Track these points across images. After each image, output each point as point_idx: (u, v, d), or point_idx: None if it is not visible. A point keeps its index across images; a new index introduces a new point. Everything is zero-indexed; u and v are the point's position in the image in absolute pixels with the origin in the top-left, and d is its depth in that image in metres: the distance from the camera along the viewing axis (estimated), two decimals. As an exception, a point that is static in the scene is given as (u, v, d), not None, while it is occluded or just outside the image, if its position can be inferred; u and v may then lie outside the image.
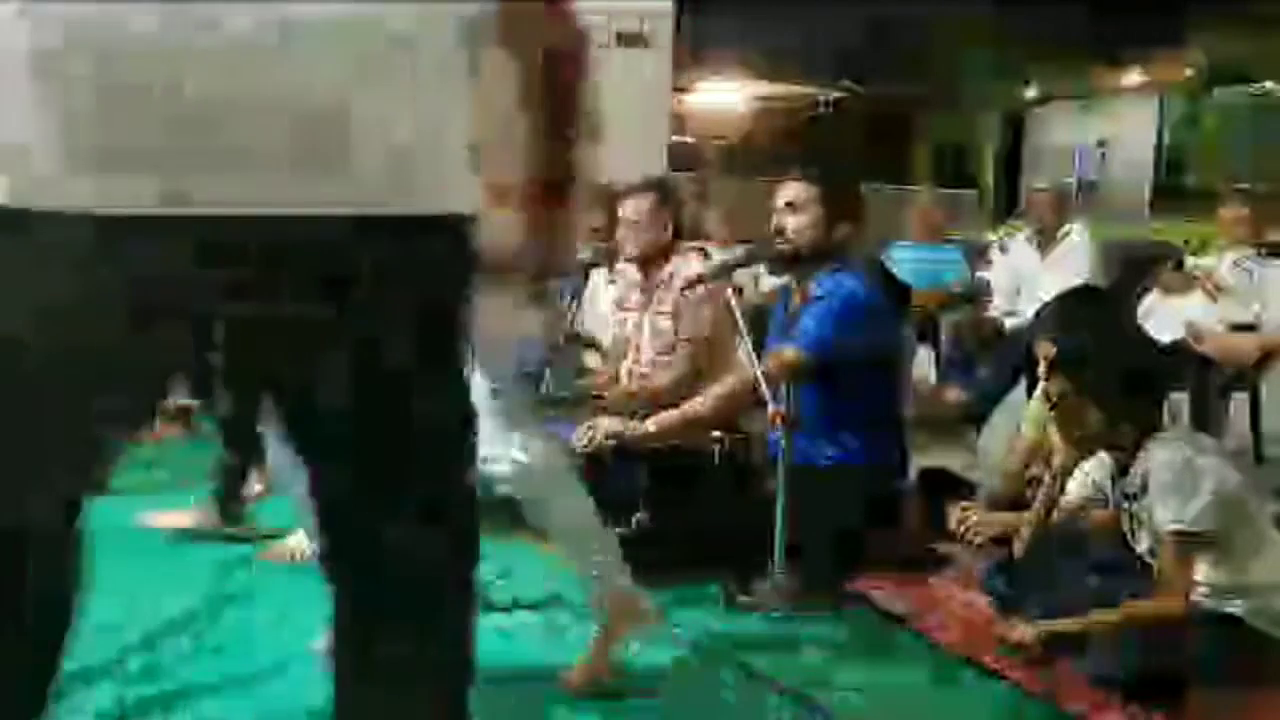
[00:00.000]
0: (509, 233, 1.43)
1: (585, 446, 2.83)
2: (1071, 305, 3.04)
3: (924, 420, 4.57)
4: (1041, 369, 2.67)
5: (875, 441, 2.92)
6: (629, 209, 3.49)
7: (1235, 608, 2.20)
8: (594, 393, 3.46)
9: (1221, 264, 4.48)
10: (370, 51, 1.11)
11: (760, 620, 2.49)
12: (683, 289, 3.36)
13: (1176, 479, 2.20)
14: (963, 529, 2.94)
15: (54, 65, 1.04)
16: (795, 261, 2.95)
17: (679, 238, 3.66)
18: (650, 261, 3.51)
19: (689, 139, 14.21)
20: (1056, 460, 2.53)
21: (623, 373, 3.65)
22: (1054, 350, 2.75)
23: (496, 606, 2.44)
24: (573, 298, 3.88)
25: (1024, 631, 2.27)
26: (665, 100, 6.78)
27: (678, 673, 2.21)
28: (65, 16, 1.03)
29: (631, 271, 3.63)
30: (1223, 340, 4.31)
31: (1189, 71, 12.71)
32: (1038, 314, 3.08)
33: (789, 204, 2.92)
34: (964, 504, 3.06)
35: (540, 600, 2.51)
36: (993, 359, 4.95)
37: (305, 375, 1.18)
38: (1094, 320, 2.88)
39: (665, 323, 3.48)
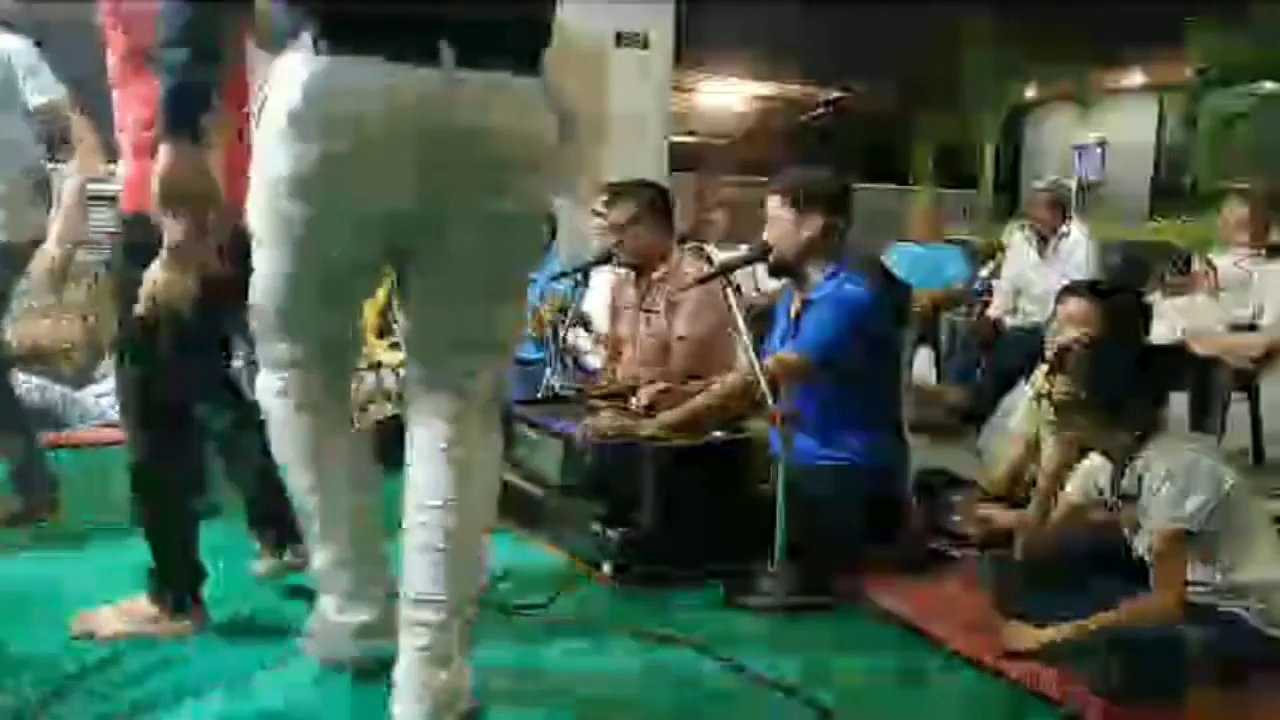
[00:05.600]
0: None
1: (585, 444, 2.82)
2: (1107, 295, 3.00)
3: (924, 420, 4.57)
4: (1066, 333, 2.70)
5: (875, 442, 2.93)
6: (618, 212, 3.50)
7: (1234, 607, 2.21)
8: (594, 391, 3.46)
9: (1221, 264, 4.49)
10: None
11: (760, 620, 2.49)
12: (679, 289, 3.37)
13: (1175, 479, 2.20)
14: (971, 519, 2.93)
15: None
16: (784, 270, 2.98)
17: (675, 238, 3.67)
18: (644, 262, 3.52)
19: (690, 139, 14.21)
20: (1052, 460, 2.53)
21: (620, 372, 3.66)
22: (1090, 308, 2.77)
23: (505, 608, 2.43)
24: (574, 295, 3.89)
25: (1026, 636, 2.27)
26: (665, 100, 6.79)
27: (677, 672, 2.20)
28: None
29: (626, 271, 3.63)
30: (1223, 340, 4.32)
31: (1189, 71, 12.71)
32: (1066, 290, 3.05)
33: (771, 216, 2.96)
34: (970, 496, 3.06)
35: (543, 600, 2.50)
36: (993, 359, 4.96)
37: None
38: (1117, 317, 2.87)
39: (661, 322, 3.48)
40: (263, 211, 1.75)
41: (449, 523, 1.78)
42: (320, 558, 1.99)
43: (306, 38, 1.61)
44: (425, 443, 1.84)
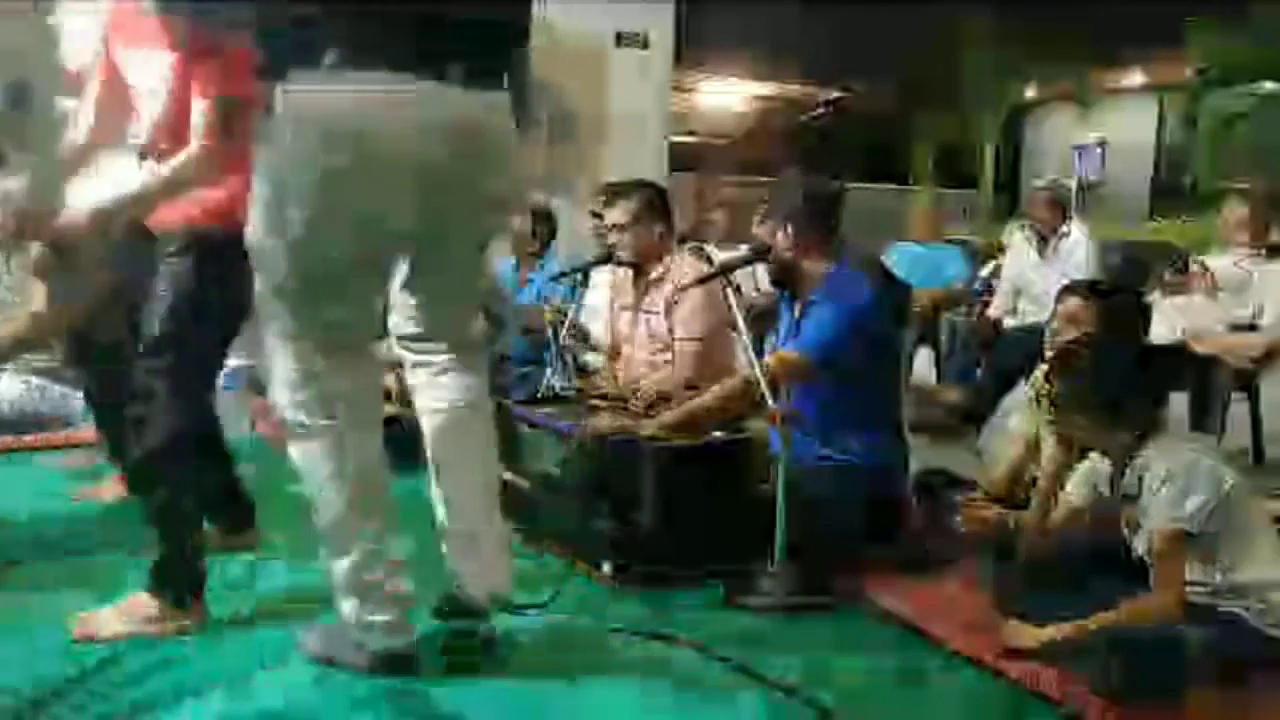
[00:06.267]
0: None
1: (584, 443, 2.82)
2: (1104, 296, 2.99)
3: (924, 420, 4.57)
4: (1066, 333, 2.70)
5: (875, 442, 2.93)
6: (616, 212, 3.50)
7: (1234, 607, 2.21)
8: (592, 391, 3.46)
9: (1221, 264, 4.49)
10: None
11: (760, 620, 2.49)
12: (678, 289, 3.37)
13: (1175, 479, 2.20)
14: (970, 517, 2.92)
15: None
16: (784, 275, 2.99)
17: (674, 238, 3.67)
18: (643, 262, 3.52)
19: (690, 139, 14.21)
20: (1052, 460, 2.53)
21: (618, 372, 3.66)
22: (1090, 308, 2.77)
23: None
24: (573, 297, 3.90)
25: (1026, 635, 2.27)
26: (665, 100, 6.79)
27: (677, 671, 2.20)
28: None
29: (625, 271, 3.63)
30: (1223, 340, 4.32)
31: (1189, 71, 12.72)
32: (1067, 290, 3.04)
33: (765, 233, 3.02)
34: (971, 496, 3.05)
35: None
36: (993, 359, 4.96)
37: None
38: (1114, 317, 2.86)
39: (660, 322, 3.48)
40: (283, 220, 1.85)
41: (475, 423, 2.19)
42: (343, 560, 2.00)
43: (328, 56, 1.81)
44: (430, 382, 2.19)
